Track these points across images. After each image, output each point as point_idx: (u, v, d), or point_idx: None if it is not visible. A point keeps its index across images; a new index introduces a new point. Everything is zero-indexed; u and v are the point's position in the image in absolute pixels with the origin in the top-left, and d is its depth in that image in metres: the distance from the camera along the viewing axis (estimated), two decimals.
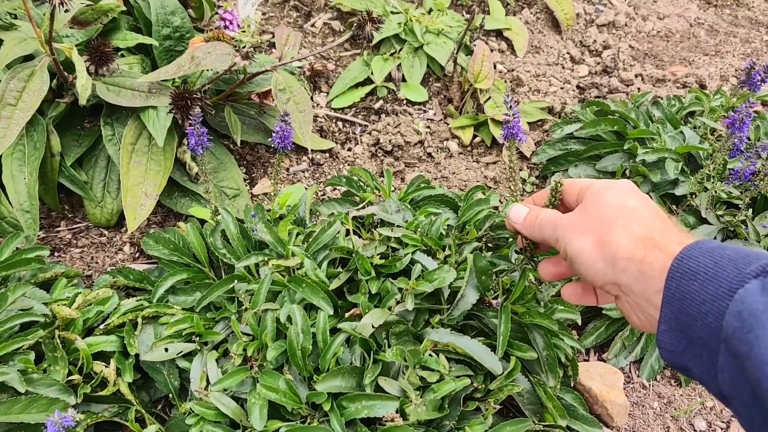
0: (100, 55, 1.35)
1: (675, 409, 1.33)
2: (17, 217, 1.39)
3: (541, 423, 1.15)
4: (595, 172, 1.59)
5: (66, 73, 1.40)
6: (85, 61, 1.34)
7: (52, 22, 1.24)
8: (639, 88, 2.05)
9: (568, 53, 2.19)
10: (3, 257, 1.25)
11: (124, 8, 1.52)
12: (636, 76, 2.14)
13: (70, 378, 1.08)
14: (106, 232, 1.52)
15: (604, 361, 1.40)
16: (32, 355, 1.08)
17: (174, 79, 1.50)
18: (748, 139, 1.62)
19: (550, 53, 2.18)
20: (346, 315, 1.15)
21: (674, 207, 1.46)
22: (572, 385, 1.27)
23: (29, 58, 1.38)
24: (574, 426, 1.21)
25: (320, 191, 1.66)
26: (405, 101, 1.91)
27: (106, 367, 1.13)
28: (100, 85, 1.41)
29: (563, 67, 2.15)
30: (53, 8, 1.13)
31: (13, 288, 1.12)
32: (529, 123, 1.85)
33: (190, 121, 1.18)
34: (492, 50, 2.10)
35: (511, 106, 1.04)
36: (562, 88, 2.04)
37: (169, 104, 1.35)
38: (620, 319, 1.41)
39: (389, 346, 1.12)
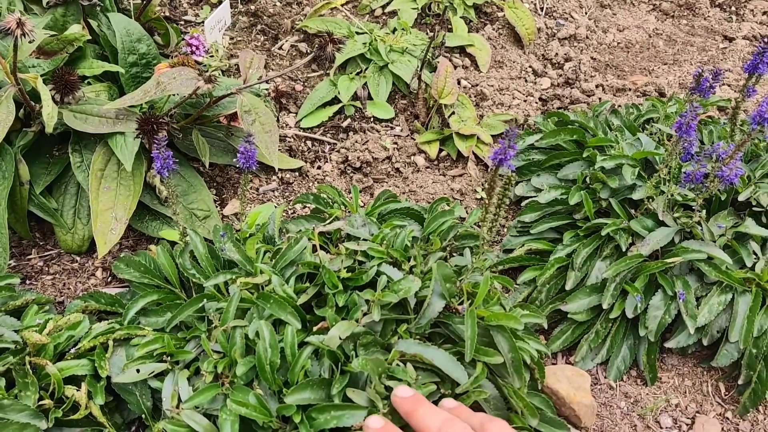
0: (65, 83, 1.37)
1: (641, 407, 1.36)
2: None
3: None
4: (557, 181, 1.64)
5: (33, 103, 1.42)
6: (50, 90, 1.36)
7: (15, 53, 1.26)
8: (600, 98, 2.11)
9: (530, 67, 2.25)
10: None
11: (89, 37, 1.55)
12: (597, 86, 2.20)
13: (41, 403, 1.09)
14: (78, 258, 1.53)
15: (572, 365, 1.43)
16: (3, 382, 1.09)
17: (141, 105, 1.53)
18: (702, 143, 1.68)
19: (513, 67, 2.23)
20: (314, 329, 1.17)
21: (633, 211, 1.51)
22: (539, 388, 1.30)
23: None
24: (542, 429, 1.24)
25: (290, 209, 1.69)
26: (372, 119, 1.95)
27: (77, 390, 1.14)
28: (67, 113, 1.43)
29: (526, 81, 2.20)
30: (15, 39, 1.16)
31: None
32: (492, 135, 1.90)
33: (155, 145, 1.20)
34: (456, 66, 2.15)
35: (510, 144, 1.09)
36: (525, 101, 2.09)
37: (136, 129, 1.37)
38: (586, 322, 1.45)
39: (357, 357, 1.14)
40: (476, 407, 1.23)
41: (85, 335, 1.23)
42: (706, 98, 1.53)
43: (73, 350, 1.20)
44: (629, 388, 1.39)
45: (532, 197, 1.64)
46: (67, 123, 1.42)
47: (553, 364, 1.43)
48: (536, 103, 2.10)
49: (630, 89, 2.24)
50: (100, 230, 1.41)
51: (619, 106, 2.03)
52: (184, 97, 1.53)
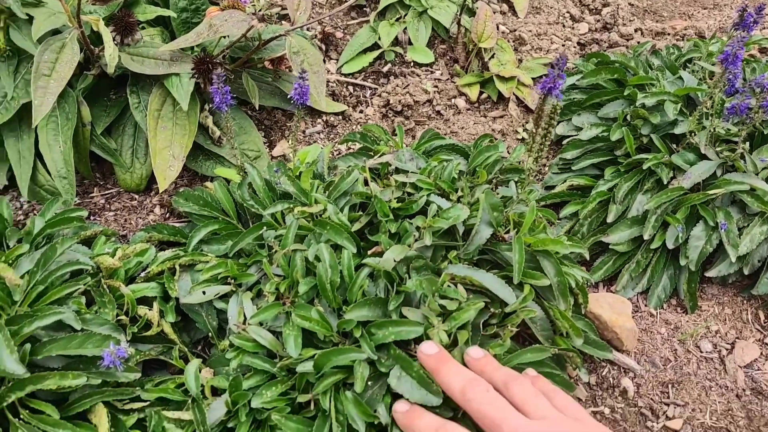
0: (124, 25, 1.43)
1: (681, 333, 1.41)
2: (55, 183, 1.48)
3: (555, 347, 1.23)
4: (598, 119, 1.66)
5: (92, 46, 1.49)
6: (111, 32, 1.42)
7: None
8: (638, 42, 2.11)
9: (568, 12, 2.25)
10: (46, 218, 1.33)
11: None
12: (636, 30, 2.20)
13: (118, 319, 1.17)
14: (136, 196, 1.61)
15: (613, 293, 1.48)
16: (83, 300, 1.17)
17: (193, 47, 1.58)
18: (744, 79, 1.68)
19: (551, 13, 2.24)
20: (369, 252, 1.24)
21: (674, 146, 1.53)
22: (582, 312, 1.36)
23: (57, 32, 1.46)
24: (585, 350, 1.30)
25: (335, 150, 1.74)
26: (412, 63, 1.99)
27: (149, 310, 1.22)
28: (125, 56, 1.49)
29: (564, 26, 2.21)
30: None
31: (61, 241, 1.21)
32: (533, 78, 1.92)
33: (213, 81, 1.26)
34: (494, 12, 2.17)
35: (559, 72, 1.11)
36: (563, 45, 2.10)
37: (192, 69, 1.43)
38: (627, 253, 1.49)
39: (410, 279, 1.20)
40: (522, 329, 1.29)
41: (153, 261, 1.31)
42: (749, 33, 1.54)
43: (142, 274, 1.28)
44: (669, 315, 1.44)
45: (572, 136, 1.68)
46: (125, 65, 1.48)
47: (595, 293, 1.48)
48: (574, 47, 2.11)
49: (669, 33, 2.24)
50: (160, 167, 1.48)
51: (659, 49, 2.04)
52: (234, 41, 1.58)
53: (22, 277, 1.16)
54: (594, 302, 1.38)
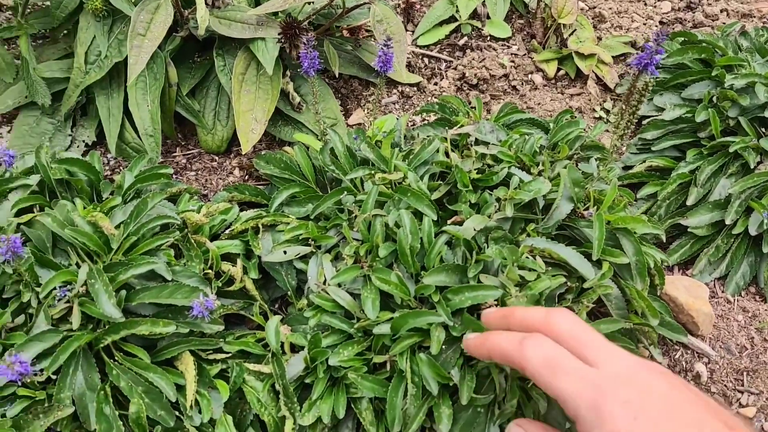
0: None
1: (759, 321, 1.38)
2: (142, 141, 1.54)
3: (629, 322, 1.22)
4: (681, 100, 1.62)
5: (182, 9, 1.52)
6: None
7: None
8: (723, 23, 2.04)
9: None
10: (134, 173, 1.39)
11: None
12: (721, 11, 2.12)
13: (204, 273, 1.22)
14: (216, 158, 1.65)
15: (689, 277, 1.46)
16: (172, 252, 1.22)
17: (277, 13, 1.61)
18: None
19: None
20: (449, 221, 1.25)
21: (763, 130, 1.49)
22: (658, 294, 1.34)
23: None
24: (660, 332, 1.29)
25: (410, 121, 1.75)
26: (489, 37, 1.97)
27: (233, 266, 1.26)
28: (213, 19, 1.53)
29: (645, 4, 2.15)
30: None
31: (151, 196, 1.26)
32: (613, 56, 1.89)
33: (303, 46, 1.28)
34: None
35: (657, 48, 1.09)
36: (644, 24, 2.05)
37: (279, 34, 1.45)
38: (705, 237, 1.46)
39: (486, 250, 1.21)
40: (596, 306, 1.29)
41: (236, 220, 1.35)
42: None
43: (226, 231, 1.33)
44: (747, 303, 1.41)
45: (653, 116, 1.64)
46: (213, 28, 1.52)
47: (670, 275, 1.46)
48: (656, 26, 2.05)
49: (756, 16, 2.15)
50: (243, 129, 1.52)
51: (748, 30, 1.97)
52: (318, 8, 1.59)
53: (116, 227, 1.21)
54: (670, 284, 1.36)
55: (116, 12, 1.54)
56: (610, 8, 2.08)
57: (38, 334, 1.05)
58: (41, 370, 1.02)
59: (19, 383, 0.98)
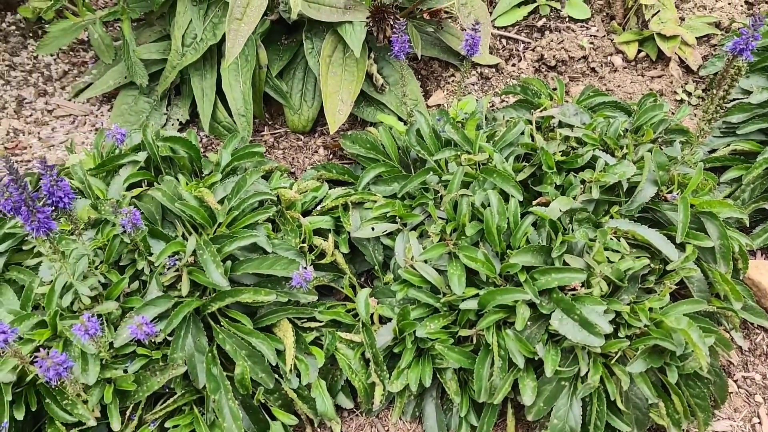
0: None
1: None
2: (235, 120, 1.62)
3: (712, 305, 1.24)
4: None
5: None
6: None
7: None
8: None
9: None
10: (230, 151, 1.47)
11: None
12: None
13: (300, 246, 1.29)
14: (302, 137, 1.72)
15: None
16: (270, 226, 1.30)
17: None
18: None
19: None
20: (533, 203, 1.28)
21: None
22: (741, 278, 1.35)
23: None
24: (742, 315, 1.29)
25: (490, 102, 1.78)
26: (567, 19, 1.97)
27: (324, 241, 1.33)
28: (303, 3, 1.58)
29: None
30: None
31: (250, 173, 1.34)
32: (696, 38, 1.86)
33: (395, 30, 1.33)
34: None
35: (754, 33, 1.09)
36: (729, 3, 2.01)
37: (367, 18, 1.50)
38: None
39: (573, 231, 1.24)
40: (678, 288, 1.30)
41: (326, 197, 1.42)
42: None
43: (318, 207, 1.40)
44: None
45: (739, 99, 1.62)
46: (303, 11, 1.57)
47: (752, 260, 1.46)
48: (741, 6, 2.01)
49: None
50: (330, 110, 1.58)
51: None
52: None
53: (219, 202, 1.29)
54: (754, 269, 1.37)
55: None
56: None
57: (153, 300, 1.15)
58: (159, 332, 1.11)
59: (145, 341, 1.08)
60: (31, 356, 1.06)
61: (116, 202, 1.24)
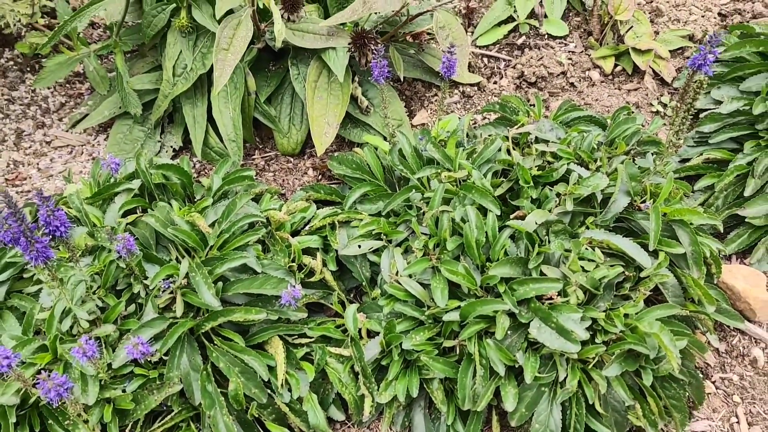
0: (292, 3, 1.58)
1: None
2: (226, 145, 1.68)
3: (685, 309, 1.29)
4: (739, 93, 1.66)
5: (259, 23, 1.65)
6: (279, 10, 1.58)
7: None
8: None
9: None
10: (221, 176, 1.52)
11: None
12: None
13: (289, 266, 1.35)
14: (292, 159, 1.78)
15: (747, 266, 1.50)
16: (260, 247, 1.35)
17: (346, 23, 1.72)
18: None
19: None
20: (512, 216, 1.34)
21: None
22: (715, 282, 1.40)
23: (230, 11, 1.64)
24: (717, 318, 1.34)
25: (471, 120, 1.84)
26: (546, 36, 2.04)
27: (313, 259, 1.39)
28: (288, 31, 1.65)
29: None
30: None
31: (239, 197, 1.40)
32: (669, 51, 1.92)
33: (373, 55, 1.39)
34: None
35: (711, 49, 1.16)
36: (702, 16, 2.07)
37: (349, 44, 1.56)
38: (763, 227, 1.50)
39: (549, 243, 1.30)
40: (653, 295, 1.35)
41: (314, 217, 1.47)
42: None
43: (306, 228, 1.45)
44: None
45: (710, 109, 1.68)
46: (288, 39, 1.64)
47: (727, 264, 1.51)
48: (714, 18, 2.07)
49: None
50: (317, 133, 1.64)
51: None
52: (383, 17, 1.70)
53: (210, 226, 1.35)
54: (727, 273, 1.42)
55: (200, 28, 1.69)
56: (668, 2, 2.11)
57: (149, 321, 1.20)
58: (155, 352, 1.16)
59: (142, 361, 1.13)
60: (33, 379, 1.11)
61: (111, 229, 1.30)
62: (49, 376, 0.96)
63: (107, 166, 1.41)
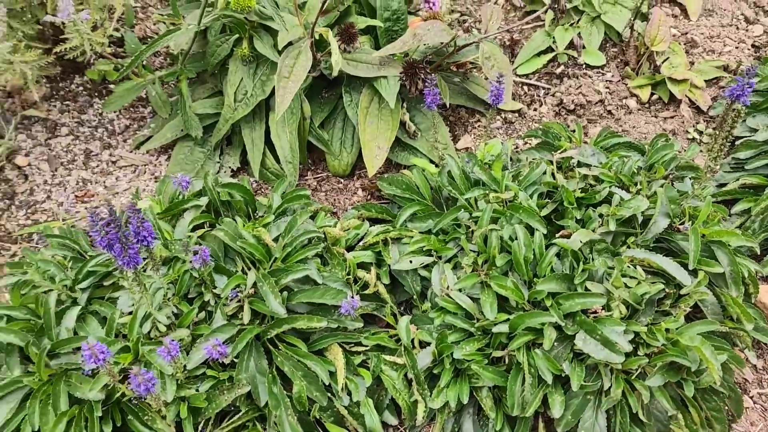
0: (348, 35, 1.70)
1: None
2: (282, 166, 1.79)
3: (725, 326, 1.35)
4: None
5: (316, 53, 1.77)
6: (336, 41, 1.69)
7: (318, 13, 1.60)
8: None
9: (742, 14, 2.28)
10: (279, 194, 1.63)
11: None
12: None
13: (346, 278, 1.44)
14: (342, 180, 1.89)
15: None
16: (319, 261, 1.45)
17: (395, 53, 1.83)
18: None
19: (724, 15, 2.29)
20: (557, 235, 1.42)
21: None
22: (753, 301, 1.46)
23: (288, 43, 1.76)
24: (755, 335, 1.40)
25: (513, 145, 1.93)
26: (584, 65, 2.13)
27: (367, 273, 1.48)
28: (343, 61, 1.76)
29: (737, 28, 2.25)
30: (323, 2, 1.49)
31: (299, 214, 1.50)
32: (705, 81, 2.00)
33: (426, 84, 1.49)
34: (666, 15, 2.25)
35: (749, 81, 1.23)
36: (736, 48, 2.15)
37: (401, 73, 1.67)
38: None
39: (593, 260, 1.37)
40: (692, 312, 1.41)
41: (367, 234, 1.57)
42: None
43: (360, 243, 1.55)
44: None
45: (746, 136, 1.75)
46: (343, 68, 1.75)
47: (765, 285, 1.56)
48: (748, 50, 2.15)
49: None
50: (368, 156, 1.75)
51: None
52: (431, 47, 1.81)
53: (274, 240, 1.45)
54: (765, 293, 1.48)
55: (260, 57, 1.81)
56: (702, 33, 2.19)
57: (219, 327, 1.30)
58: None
59: (219, 361, 1.23)
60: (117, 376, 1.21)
61: (185, 242, 1.41)
62: (139, 371, 1.06)
63: (178, 184, 1.52)
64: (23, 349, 1.29)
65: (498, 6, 1.79)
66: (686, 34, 2.20)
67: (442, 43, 1.78)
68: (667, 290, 1.34)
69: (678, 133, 1.91)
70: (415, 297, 1.50)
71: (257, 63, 1.83)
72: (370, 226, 1.63)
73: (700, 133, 1.90)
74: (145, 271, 1.33)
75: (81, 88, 2.12)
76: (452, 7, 2.35)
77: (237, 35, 1.81)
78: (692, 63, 2.10)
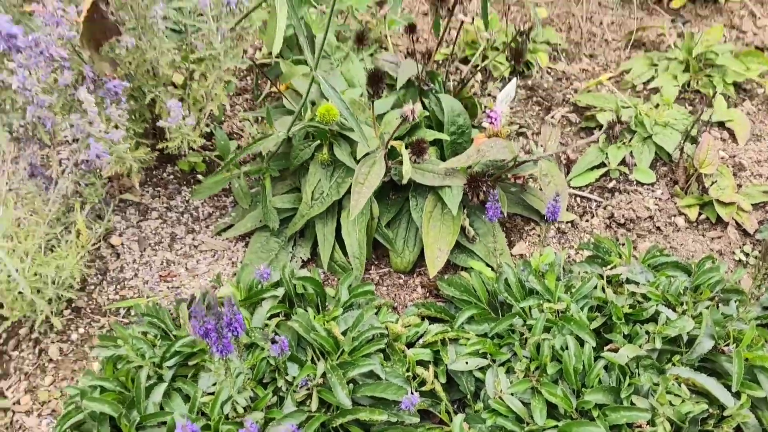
0: (419, 149, 1.88)
1: None
2: (350, 261, 1.95)
3: None
4: None
5: (387, 161, 1.96)
6: (408, 153, 1.88)
7: (396, 129, 1.80)
8: None
9: None
10: (346, 287, 1.78)
11: (426, 113, 2.07)
12: None
13: (406, 374, 1.56)
14: (403, 276, 2.03)
15: None
16: (381, 356, 1.58)
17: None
18: None
19: None
20: (605, 348, 1.52)
21: None
22: None
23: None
24: None
25: (566, 255, 2.05)
26: (635, 182, 2.26)
27: (425, 370, 1.59)
28: (412, 170, 1.94)
29: None
30: (405, 119, 1.68)
31: (366, 310, 1.64)
32: (752, 204, 2.11)
33: (491, 198, 1.65)
34: (715, 138, 2.38)
35: None
36: None
37: (465, 184, 1.84)
38: None
39: (639, 375, 1.47)
40: (737, 431, 1.48)
41: (426, 332, 1.69)
42: None
43: (419, 341, 1.67)
44: None
45: None
46: (412, 177, 1.93)
47: None
48: None
49: None
50: (429, 257, 1.89)
51: None
52: (493, 161, 1.98)
53: (342, 333, 1.59)
54: None
55: (337, 161, 2.00)
56: (750, 158, 2.31)
57: (290, 413, 1.42)
58: None
59: None
60: None
61: (263, 330, 1.56)
62: None
63: (260, 275, 1.69)
64: (115, 419, 1.44)
65: (557, 127, 1.96)
66: (734, 157, 2.32)
67: (505, 160, 1.94)
68: (710, 410, 1.42)
69: (725, 253, 2.00)
70: (468, 396, 1.60)
71: (334, 167, 2.02)
72: (429, 324, 1.76)
73: (747, 255, 1.99)
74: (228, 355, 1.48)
75: (172, 176, 2.35)
76: (512, 119, 2.55)
77: (318, 141, 2.02)
78: (739, 186, 2.21)
